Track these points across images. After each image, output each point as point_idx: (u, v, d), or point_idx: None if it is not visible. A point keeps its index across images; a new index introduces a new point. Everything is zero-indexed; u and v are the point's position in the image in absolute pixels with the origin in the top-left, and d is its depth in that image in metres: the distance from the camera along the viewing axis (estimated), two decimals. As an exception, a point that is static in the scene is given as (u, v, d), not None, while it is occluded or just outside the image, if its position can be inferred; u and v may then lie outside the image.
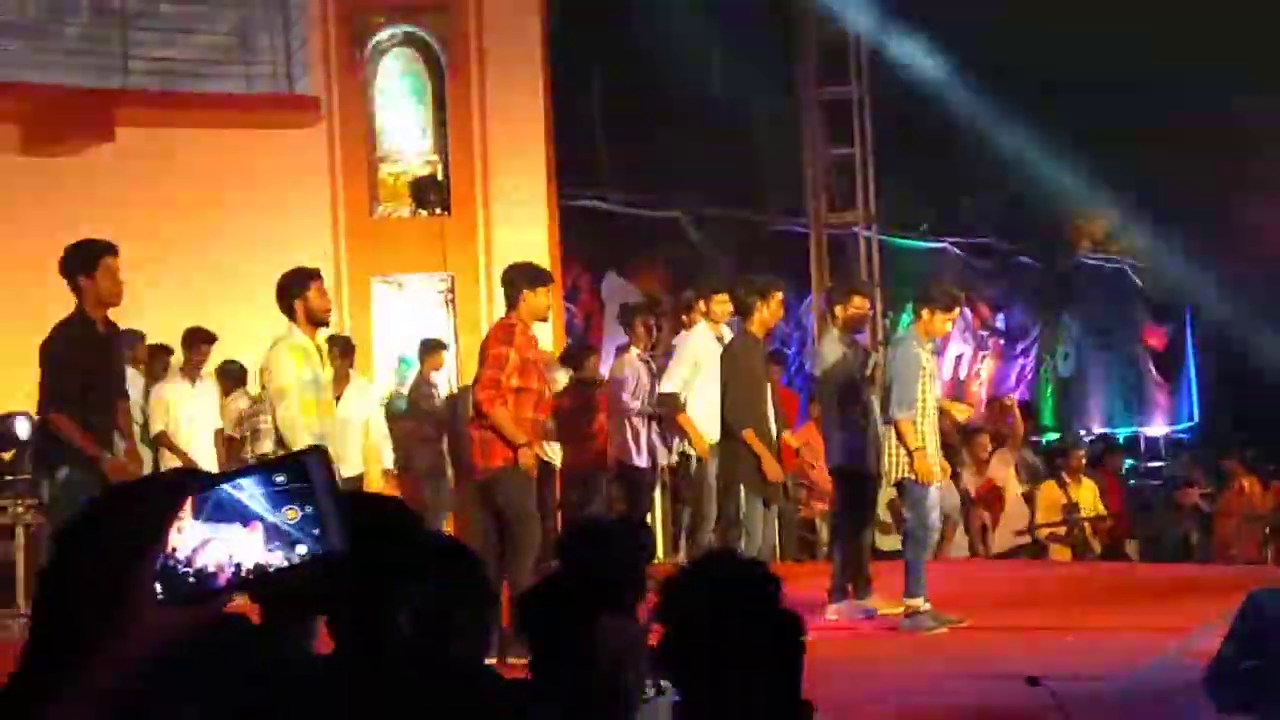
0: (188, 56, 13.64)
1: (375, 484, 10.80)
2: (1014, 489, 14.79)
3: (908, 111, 17.59)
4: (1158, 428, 23.75)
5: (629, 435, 12.60)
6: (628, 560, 4.36)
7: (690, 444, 11.14)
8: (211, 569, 1.69)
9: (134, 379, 11.69)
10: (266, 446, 10.79)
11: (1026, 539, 14.65)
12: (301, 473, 1.72)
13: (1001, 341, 22.55)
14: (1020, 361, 22.89)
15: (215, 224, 13.53)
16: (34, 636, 1.70)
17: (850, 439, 10.40)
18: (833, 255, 17.09)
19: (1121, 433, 22.63)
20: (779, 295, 10.24)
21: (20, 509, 11.16)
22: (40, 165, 12.85)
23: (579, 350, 13.85)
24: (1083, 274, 23.81)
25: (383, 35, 14.77)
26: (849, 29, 16.60)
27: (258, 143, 13.84)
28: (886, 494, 12.15)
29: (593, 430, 12.83)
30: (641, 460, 12.60)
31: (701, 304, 11.42)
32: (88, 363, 8.28)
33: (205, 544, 1.68)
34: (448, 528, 13.31)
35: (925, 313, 10.22)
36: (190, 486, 1.71)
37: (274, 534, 1.69)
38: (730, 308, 10.89)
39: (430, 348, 13.65)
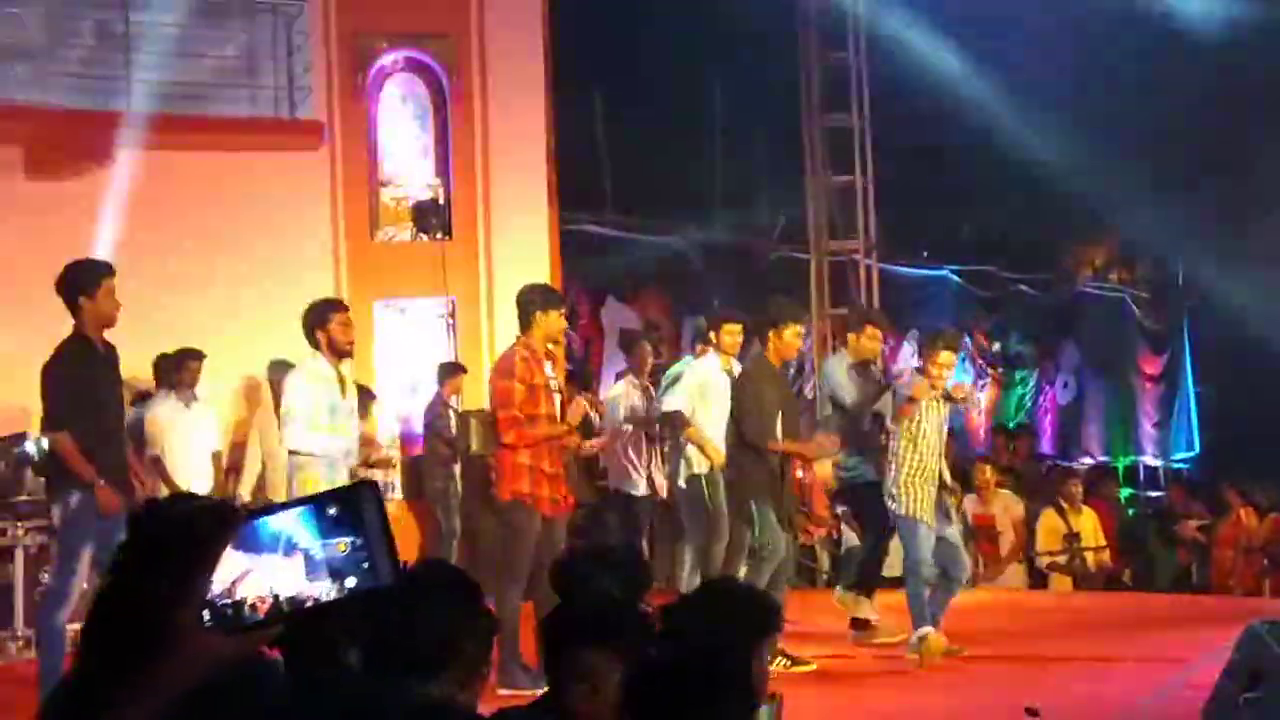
0: (190, 80, 13.65)
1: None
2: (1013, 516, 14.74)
3: (909, 139, 17.60)
4: (1155, 458, 23.76)
5: (627, 463, 12.61)
6: (624, 590, 4.33)
7: (698, 461, 10.89)
8: (252, 600, 1.69)
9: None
10: (254, 468, 10.81)
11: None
12: (354, 505, 1.72)
13: (1000, 370, 22.57)
14: (1019, 390, 22.92)
15: (217, 247, 13.54)
16: (85, 654, 1.71)
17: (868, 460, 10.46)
18: (833, 282, 17.12)
19: (1120, 462, 22.64)
20: (795, 326, 10.22)
21: (20, 531, 11.16)
22: (43, 188, 12.86)
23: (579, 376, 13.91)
24: (1083, 303, 23.85)
25: (385, 60, 14.81)
26: (849, 59, 16.69)
27: (260, 166, 13.86)
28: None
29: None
30: (640, 489, 12.61)
31: (712, 334, 11.19)
32: (88, 382, 8.30)
33: (245, 575, 1.68)
34: (456, 552, 13.31)
35: (927, 353, 10.22)
36: (235, 517, 1.71)
37: (317, 566, 1.69)
38: (740, 339, 10.85)
39: (449, 371, 13.71)
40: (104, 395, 8.41)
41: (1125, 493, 19.31)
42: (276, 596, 1.73)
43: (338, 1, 14.46)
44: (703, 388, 10.74)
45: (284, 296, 12.95)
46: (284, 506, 1.74)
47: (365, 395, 13.22)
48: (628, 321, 17.80)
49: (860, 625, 10.69)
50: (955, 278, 21.57)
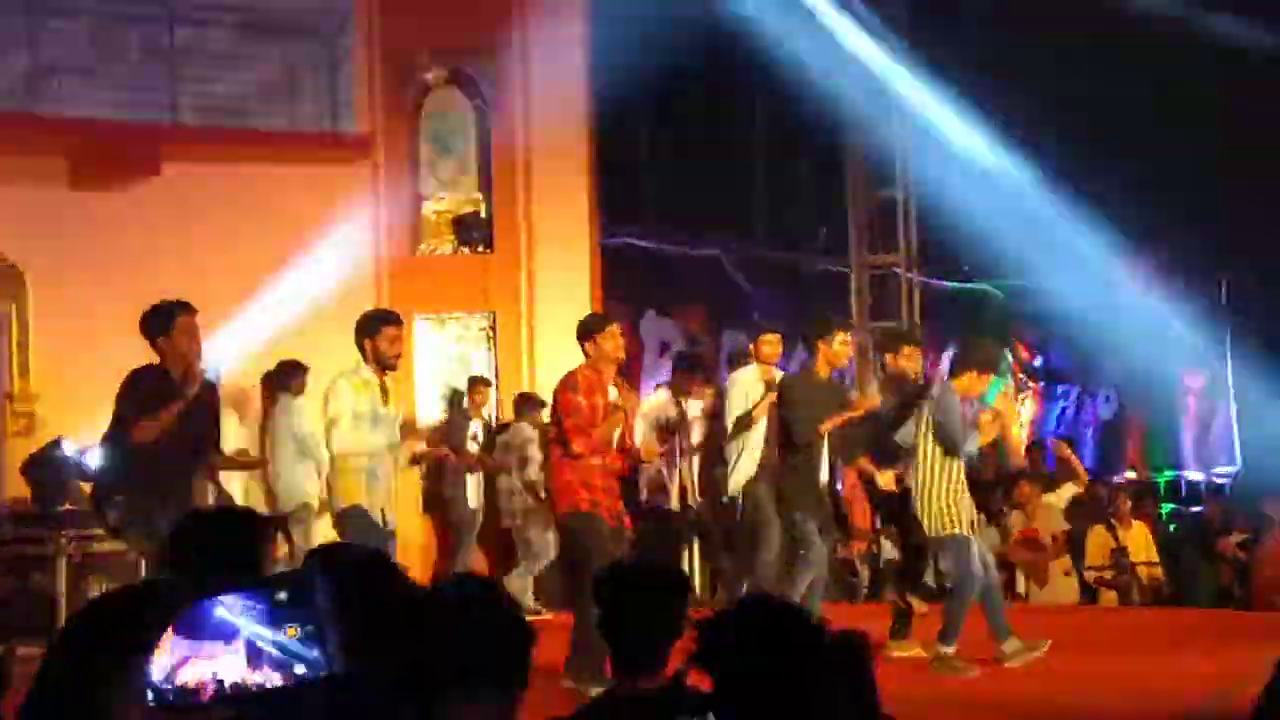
0: (235, 94, 13.74)
1: None
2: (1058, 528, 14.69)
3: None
4: (1196, 472, 23.60)
5: (664, 478, 12.65)
6: (658, 606, 4.34)
7: (749, 471, 10.89)
8: (193, 685, 1.65)
9: None
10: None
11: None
12: (305, 589, 1.68)
13: (1042, 384, 22.48)
14: (1061, 404, 22.82)
15: (259, 260, 13.61)
16: None
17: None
18: (874, 295, 17.11)
19: (1161, 477, 22.51)
20: (843, 334, 10.34)
21: (63, 540, 11.24)
22: (87, 200, 12.96)
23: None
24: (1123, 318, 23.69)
25: (428, 74, 14.87)
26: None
27: (303, 180, 13.92)
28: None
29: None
30: (675, 505, 12.66)
31: (751, 345, 11.37)
32: (154, 408, 8.43)
33: (186, 661, 1.65)
34: (476, 563, 13.39)
35: (962, 372, 10.22)
36: (171, 601, 1.69)
37: (260, 654, 1.64)
38: (779, 349, 10.97)
39: (470, 384, 13.80)
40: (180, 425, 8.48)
41: (1167, 508, 19.19)
42: (220, 681, 1.71)
43: (382, 16, 14.54)
44: (747, 398, 10.83)
45: (326, 310, 13.05)
46: (233, 589, 1.71)
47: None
48: (667, 335, 17.81)
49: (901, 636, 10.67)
50: (997, 291, 21.50)
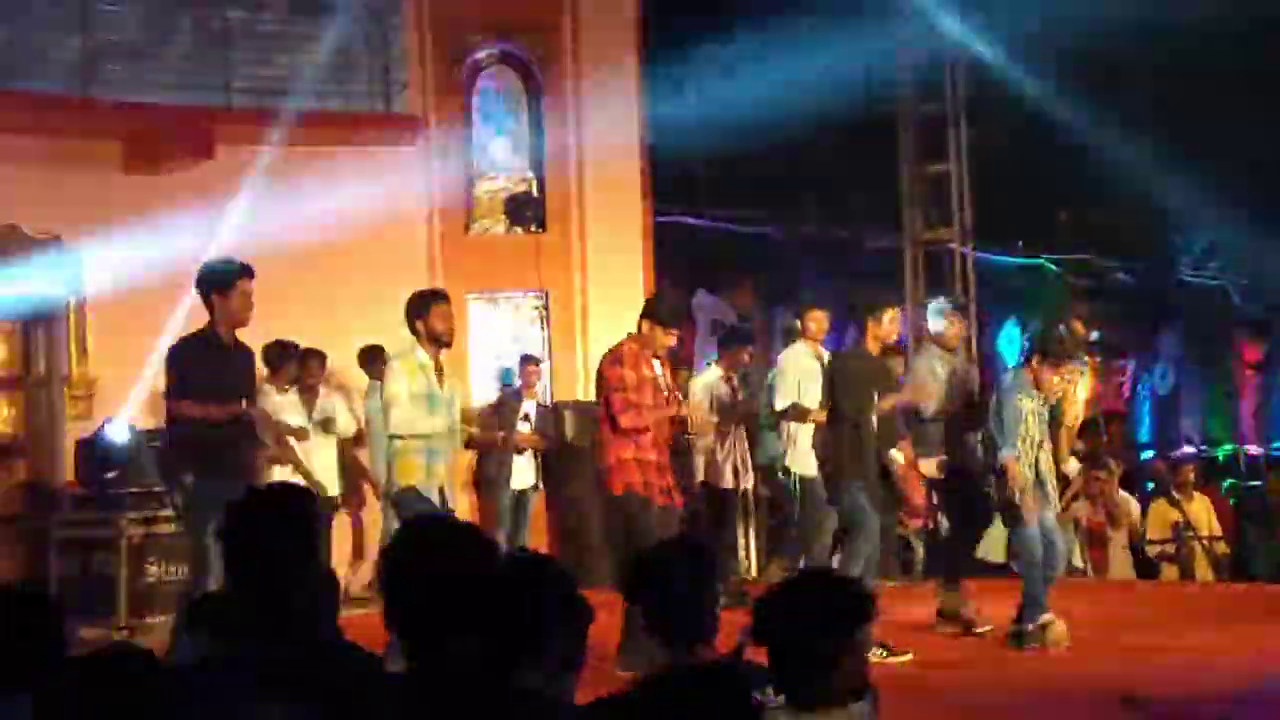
0: (286, 75, 13.76)
1: None
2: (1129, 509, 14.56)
3: (1005, 125, 17.45)
4: (1256, 446, 23.40)
5: (717, 456, 12.62)
6: (691, 588, 4.33)
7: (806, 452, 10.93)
8: None
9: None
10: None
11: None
12: None
13: (1099, 358, 22.33)
14: (1118, 379, 22.67)
15: (312, 241, 13.62)
16: None
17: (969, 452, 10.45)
18: (928, 271, 16.98)
19: (1220, 451, 22.33)
20: (892, 311, 10.28)
21: (124, 523, 11.31)
22: (141, 183, 13.01)
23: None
24: (1182, 291, 23.54)
25: (480, 54, 14.86)
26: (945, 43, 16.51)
27: (355, 160, 13.94)
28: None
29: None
30: (728, 481, 12.64)
31: (798, 322, 11.46)
32: (209, 372, 8.60)
33: None
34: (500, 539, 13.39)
35: (1036, 362, 10.18)
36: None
37: None
38: (826, 325, 11.07)
39: (520, 363, 13.69)
40: (225, 390, 8.61)
41: (1227, 482, 19.05)
42: None
43: (432, -4, 14.54)
44: (800, 376, 10.91)
45: (379, 290, 13.06)
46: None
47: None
48: (718, 312, 17.77)
49: (949, 617, 10.65)
50: (1052, 266, 21.37)
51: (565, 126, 14.91)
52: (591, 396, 10.87)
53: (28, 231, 12.64)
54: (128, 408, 12.15)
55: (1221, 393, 23.66)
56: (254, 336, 12.11)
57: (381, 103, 14.37)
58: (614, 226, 14.88)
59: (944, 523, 12.54)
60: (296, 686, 3.65)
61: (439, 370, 9.06)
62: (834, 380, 10.29)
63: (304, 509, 4.06)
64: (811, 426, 10.72)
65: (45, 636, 3.98)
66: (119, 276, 12.37)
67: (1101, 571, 14.24)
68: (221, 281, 8.70)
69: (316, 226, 13.65)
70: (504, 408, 13.52)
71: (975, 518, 10.78)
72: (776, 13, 16.17)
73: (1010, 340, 20.38)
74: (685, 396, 10.62)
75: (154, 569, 11.53)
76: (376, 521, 12.13)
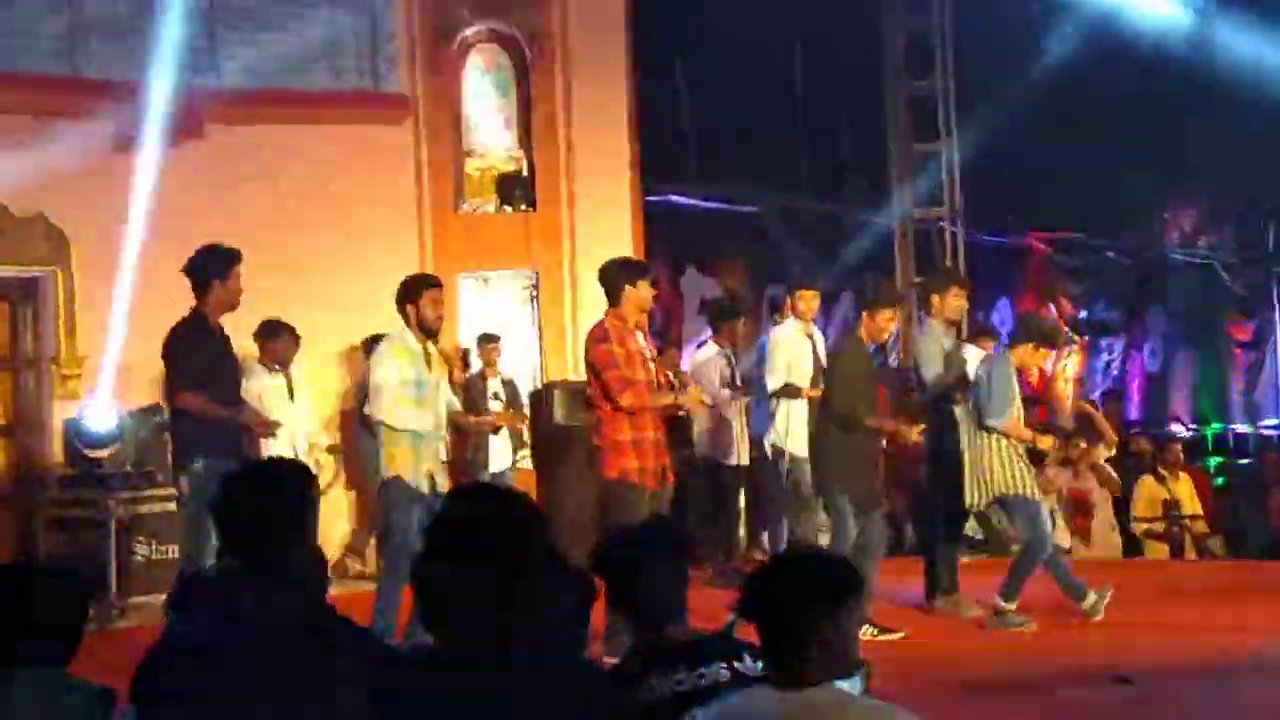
0: (276, 54, 13.70)
1: None
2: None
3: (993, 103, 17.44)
4: (1245, 424, 23.46)
5: (721, 431, 12.59)
6: (656, 570, 4.34)
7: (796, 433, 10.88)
8: None
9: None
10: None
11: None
12: None
13: (1086, 337, 22.36)
14: (1106, 357, 22.69)
15: (303, 220, 13.62)
16: None
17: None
18: (917, 250, 17.01)
19: (1209, 430, 22.39)
20: (888, 311, 10.11)
21: (112, 502, 11.31)
22: (130, 162, 12.93)
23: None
24: (1170, 269, 23.57)
25: (469, 31, 14.82)
26: (933, 21, 16.51)
27: (344, 139, 13.91)
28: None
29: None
30: (731, 458, 12.61)
31: (789, 300, 11.44)
32: (209, 358, 8.73)
33: None
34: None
35: (1024, 349, 10.18)
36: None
37: None
38: (816, 305, 11.07)
39: (481, 342, 13.55)
40: (224, 374, 8.79)
41: (1215, 460, 19.11)
42: None
43: (420, -27, 14.49)
44: (789, 357, 10.90)
45: (368, 270, 13.06)
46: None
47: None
48: (708, 290, 17.76)
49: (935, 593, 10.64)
50: (1041, 245, 21.37)
51: (554, 104, 14.88)
52: (582, 376, 10.83)
53: (15, 211, 12.60)
54: (116, 387, 12.13)
55: (1211, 372, 23.71)
56: (241, 319, 12.16)
57: (370, 81, 14.31)
58: (604, 205, 14.86)
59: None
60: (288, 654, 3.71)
61: (428, 355, 9.02)
62: (828, 379, 10.25)
63: (299, 484, 4.09)
64: (805, 404, 10.69)
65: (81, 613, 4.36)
66: (107, 257, 12.34)
67: (1086, 540, 14.26)
68: (221, 267, 8.76)
69: (306, 205, 13.65)
70: (471, 390, 13.48)
71: (962, 497, 10.74)
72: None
73: (1003, 322, 20.41)
74: (676, 375, 10.55)
75: (143, 548, 11.55)
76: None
